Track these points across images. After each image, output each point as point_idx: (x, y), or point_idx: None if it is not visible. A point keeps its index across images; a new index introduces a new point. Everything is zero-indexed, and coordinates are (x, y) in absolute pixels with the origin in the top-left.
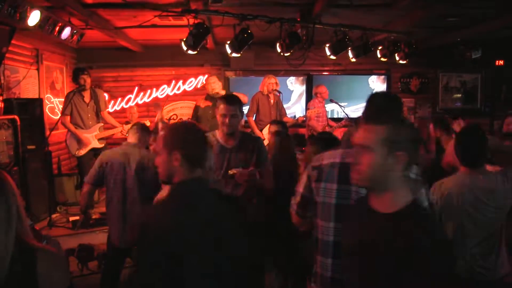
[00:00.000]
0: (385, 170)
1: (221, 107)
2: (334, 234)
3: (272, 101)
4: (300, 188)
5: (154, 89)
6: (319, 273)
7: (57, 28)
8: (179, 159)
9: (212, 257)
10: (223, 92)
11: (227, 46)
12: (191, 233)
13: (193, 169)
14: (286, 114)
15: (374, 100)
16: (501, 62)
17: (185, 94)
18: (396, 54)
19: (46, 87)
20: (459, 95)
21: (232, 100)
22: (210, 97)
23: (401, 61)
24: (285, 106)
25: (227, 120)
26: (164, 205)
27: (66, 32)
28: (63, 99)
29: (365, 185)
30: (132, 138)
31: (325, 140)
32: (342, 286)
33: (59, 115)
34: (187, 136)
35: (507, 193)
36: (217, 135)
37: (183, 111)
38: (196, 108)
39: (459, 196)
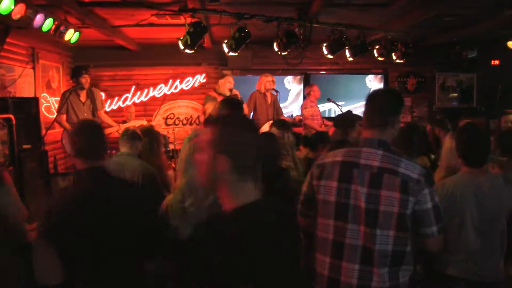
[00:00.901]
0: (214, 172)
1: (215, 106)
2: (334, 232)
3: (269, 100)
4: (304, 187)
5: (152, 88)
6: (318, 272)
7: (53, 27)
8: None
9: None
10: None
11: (224, 45)
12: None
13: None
14: (282, 113)
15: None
16: (497, 62)
17: (182, 93)
18: (393, 54)
19: (42, 86)
20: (455, 95)
21: (233, 105)
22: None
23: (398, 61)
24: (282, 105)
25: None
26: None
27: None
28: (59, 98)
29: (206, 185)
30: (124, 148)
31: (312, 142)
32: (338, 286)
33: (55, 114)
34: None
35: (508, 195)
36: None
37: (181, 110)
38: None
39: (461, 196)
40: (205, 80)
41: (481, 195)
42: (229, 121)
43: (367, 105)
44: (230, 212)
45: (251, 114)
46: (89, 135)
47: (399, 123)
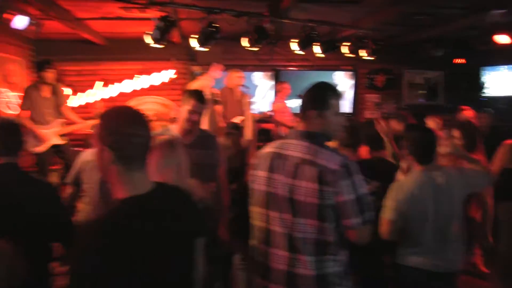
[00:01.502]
0: (103, 163)
1: (192, 103)
2: (265, 220)
3: (237, 96)
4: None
5: (119, 84)
6: (254, 259)
7: (12, 17)
8: None
9: None
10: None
11: (193, 40)
12: None
13: None
14: (249, 110)
15: None
16: (462, 61)
17: (151, 89)
18: (362, 51)
19: (0, 80)
20: (423, 92)
21: (203, 98)
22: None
23: (367, 58)
24: (252, 101)
25: (194, 117)
26: None
27: (22, 21)
28: (21, 93)
29: (103, 177)
30: None
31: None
32: (270, 273)
33: (18, 110)
34: None
35: (463, 187)
36: (175, 131)
37: (149, 106)
38: None
39: (420, 193)
40: (175, 76)
41: (438, 189)
42: (112, 114)
43: (302, 99)
44: (119, 201)
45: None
46: (3, 133)
47: (336, 116)
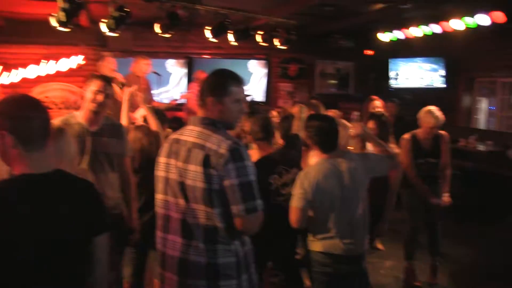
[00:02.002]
0: (3, 147)
1: (97, 83)
2: (163, 207)
3: (143, 84)
4: None
5: (22, 69)
6: (157, 248)
7: None
8: None
9: None
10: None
11: (103, 24)
12: None
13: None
14: (153, 98)
15: None
16: (371, 52)
17: (58, 75)
18: (275, 40)
19: None
20: (334, 81)
21: (110, 80)
22: None
23: (280, 47)
24: (164, 89)
25: (99, 98)
26: None
27: None
28: None
29: (4, 162)
30: None
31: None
32: (165, 259)
33: None
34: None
35: (366, 172)
36: (79, 117)
37: (56, 93)
38: None
39: (324, 181)
40: (84, 62)
41: (342, 175)
42: (9, 100)
43: (201, 86)
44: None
45: None
46: None
47: (236, 104)
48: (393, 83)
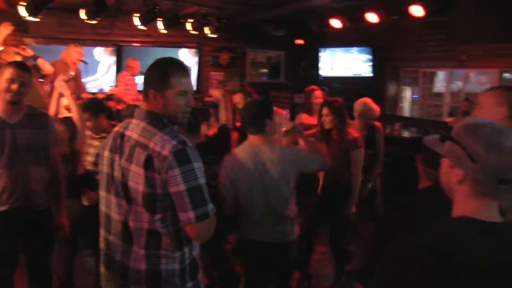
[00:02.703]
0: None
1: (10, 71)
2: (105, 205)
3: (72, 73)
4: None
5: None
6: (100, 247)
7: None
8: None
9: None
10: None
11: (21, 8)
12: None
13: None
14: (85, 88)
15: None
16: (301, 41)
17: None
18: (206, 28)
19: None
20: (265, 70)
21: (24, 66)
22: None
23: (211, 35)
24: (92, 78)
25: (14, 86)
26: None
27: None
28: None
29: None
30: None
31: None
32: (107, 261)
33: None
34: None
35: (291, 165)
36: None
37: None
38: None
39: (243, 167)
40: (2, 48)
41: (262, 164)
42: None
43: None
44: None
45: None
46: None
47: (179, 97)
48: (323, 72)
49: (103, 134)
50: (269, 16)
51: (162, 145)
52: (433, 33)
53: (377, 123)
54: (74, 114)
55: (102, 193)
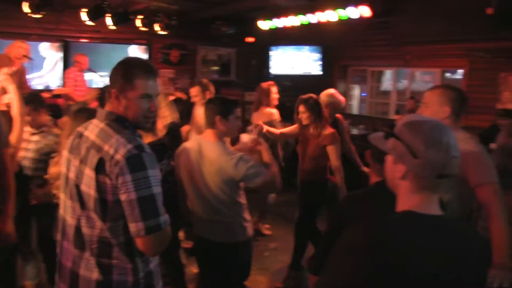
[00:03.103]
0: None
1: None
2: (63, 208)
3: (15, 69)
4: None
5: None
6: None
7: None
8: None
9: None
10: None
11: None
12: None
13: None
14: (29, 86)
15: None
16: (252, 39)
17: None
18: (156, 25)
19: None
20: (216, 68)
21: None
22: None
23: (161, 32)
24: (37, 74)
25: None
26: None
27: None
28: None
29: None
30: None
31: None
32: (59, 268)
33: None
34: None
35: (225, 169)
36: None
37: None
38: None
39: (190, 156)
40: None
41: (201, 158)
42: None
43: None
44: None
45: None
46: None
47: (143, 99)
48: (273, 70)
49: (43, 129)
50: (220, 14)
51: (116, 148)
52: (380, 33)
53: (339, 116)
54: (15, 108)
55: (61, 195)
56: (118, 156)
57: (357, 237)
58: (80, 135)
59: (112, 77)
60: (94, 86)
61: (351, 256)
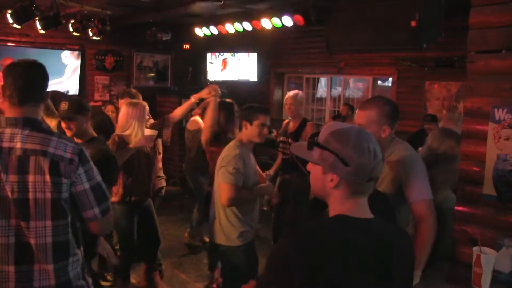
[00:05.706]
0: None
1: None
2: (16, 234)
3: None
4: None
5: None
6: None
7: None
8: None
9: None
10: None
11: None
12: None
13: None
14: None
15: None
16: (188, 46)
17: None
18: (89, 30)
19: None
20: (152, 74)
21: None
22: None
23: (94, 37)
24: None
25: None
26: None
27: None
28: None
29: None
30: None
31: None
32: None
33: None
34: None
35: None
36: None
37: None
38: None
39: None
40: None
41: None
42: None
43: (9, 79)
44: None
45: None
46: None
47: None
48: (210, 77)
49: None
50: (155, 19)
51: (63, 148)
52: (314, 42)
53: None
54: None
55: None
56: (69, 155)
57: (289, 244)
58: None
59: (35, 84)
60: None
61: (284, 263)
